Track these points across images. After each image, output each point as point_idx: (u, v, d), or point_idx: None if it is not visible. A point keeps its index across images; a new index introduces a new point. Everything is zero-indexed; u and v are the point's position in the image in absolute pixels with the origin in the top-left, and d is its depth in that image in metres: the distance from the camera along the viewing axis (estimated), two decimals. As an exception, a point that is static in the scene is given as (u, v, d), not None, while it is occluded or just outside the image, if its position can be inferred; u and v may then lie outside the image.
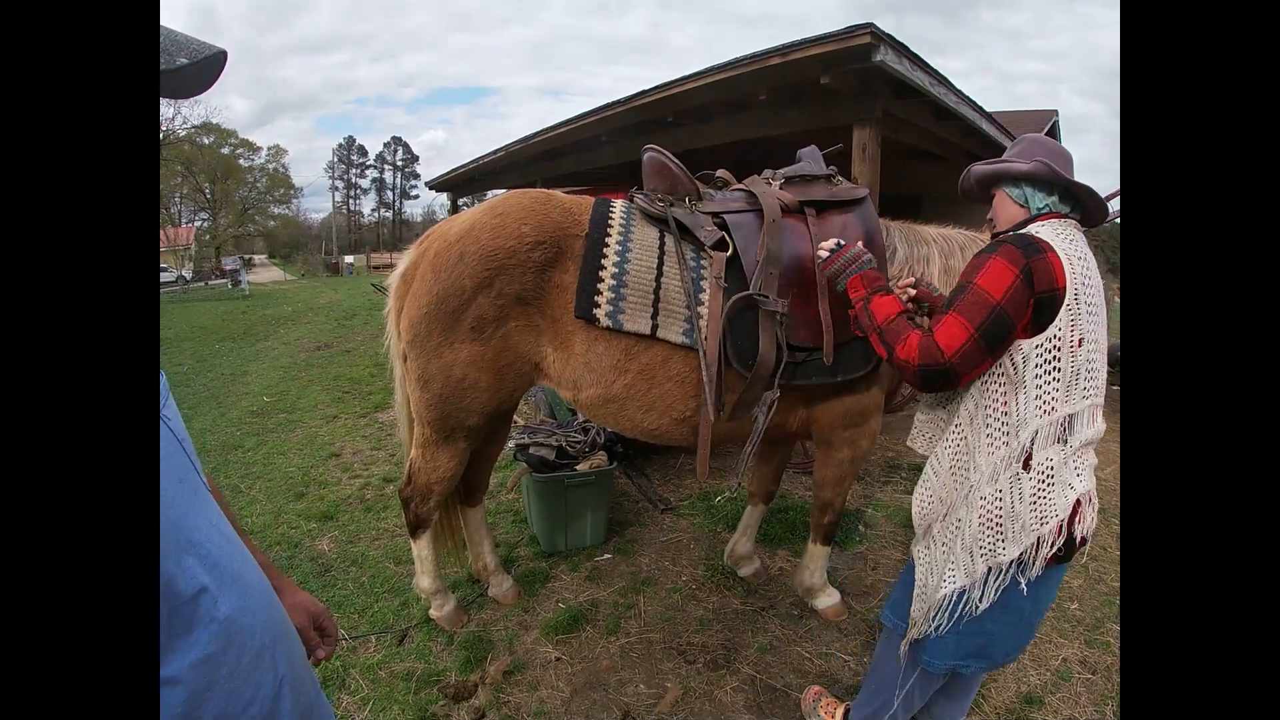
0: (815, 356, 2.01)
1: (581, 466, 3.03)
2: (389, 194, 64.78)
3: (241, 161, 42.24)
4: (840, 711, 2.01)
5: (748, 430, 2.08)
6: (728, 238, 2.03)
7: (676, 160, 2.09)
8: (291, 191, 46.38)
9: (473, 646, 2.38)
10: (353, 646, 2.41)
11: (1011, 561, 1.42)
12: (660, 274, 1.98)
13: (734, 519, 3.08)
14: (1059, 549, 1.41)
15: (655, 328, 1.97)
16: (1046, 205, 1.50)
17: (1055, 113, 12.56)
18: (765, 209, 2.05)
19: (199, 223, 40.57)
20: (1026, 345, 1.39)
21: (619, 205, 2.12)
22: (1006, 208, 1.56)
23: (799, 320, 1.99)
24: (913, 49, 3.25)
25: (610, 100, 4.81)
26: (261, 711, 0.75)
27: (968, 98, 4.30)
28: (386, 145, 66.40)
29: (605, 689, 2.22)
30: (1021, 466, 1.41)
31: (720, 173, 2.27)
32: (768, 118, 4.08)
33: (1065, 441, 1.41)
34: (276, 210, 46.05)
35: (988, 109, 4.81)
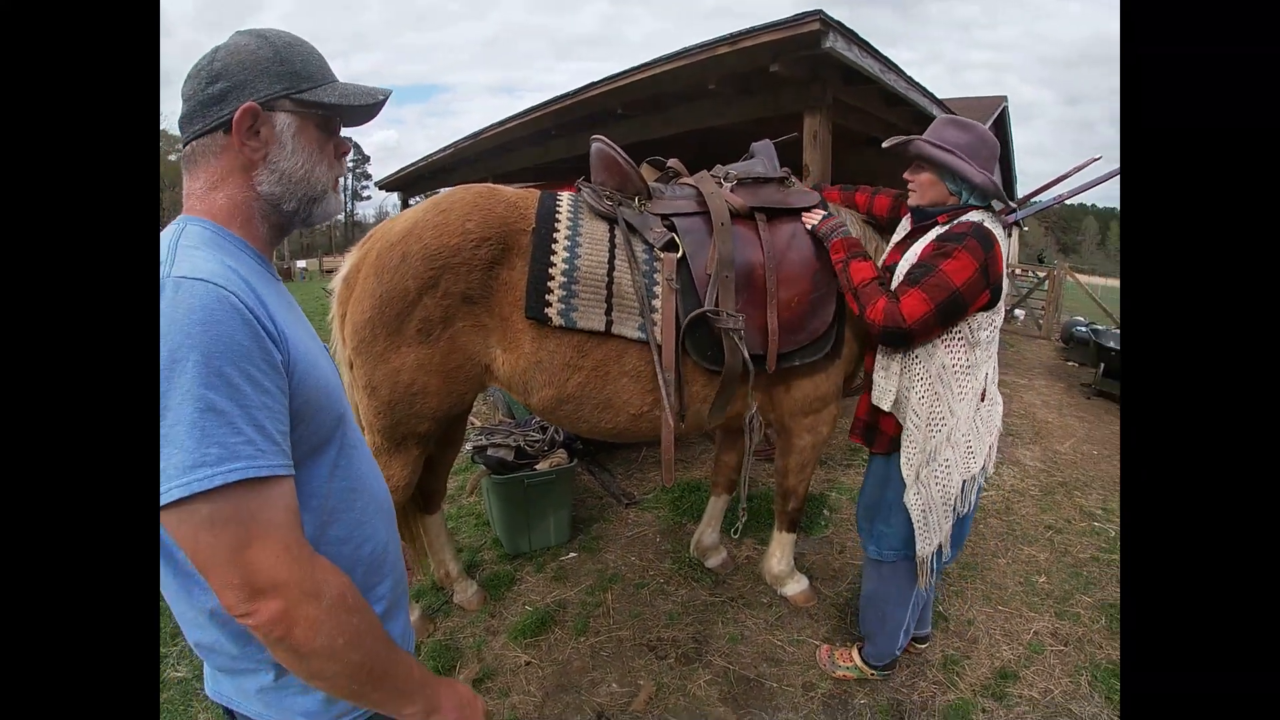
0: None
1: (541, 466, 2.97)
2: (342, 195, 62.97)
3: (186, 168, 40.59)
4: (854, 650, 2.26)
5: (702, 424, 2.10)
6: (677, 239, 2.00)
7: (624, 154, 2.04)
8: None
9: (440, 655, 2.32)
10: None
11: (981, 468, 1.88)
12: (612, 268, 1.94)
13: (699, 510, 3.07)
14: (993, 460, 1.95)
15: (610, 324, 1.93)
16: (977, 202, 1.83)
17: (1005, 99, 12.90)
18: (713, 212, 2.03)
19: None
20: (981, 316, 1.78)
21: (566, 198, 2.06)
22: (938, 190, 1.83)
23: (753, 328, 2.01)
24: (862, 36, 3.27)
25: (559, 93, 4.72)
26: (375, 551, 0.89)
27: (917, 84, 4.35)
28: (337, 145, 64.53)
29: (578, 690, 2.19)
30: (980, 399, 1.84)
31: (671, 162, 2.23)
32: (719, 107, 4.06)
33: (995, 370, 1.89)
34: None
35: (938, 96, 4.88)
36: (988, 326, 1.80)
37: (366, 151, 66.89)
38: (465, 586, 2.62)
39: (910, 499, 1.90)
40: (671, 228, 2.01)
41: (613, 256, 1.95)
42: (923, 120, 6.17)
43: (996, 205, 1.87)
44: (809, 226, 2.08)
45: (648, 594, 2.71)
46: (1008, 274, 1.82)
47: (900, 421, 1.91)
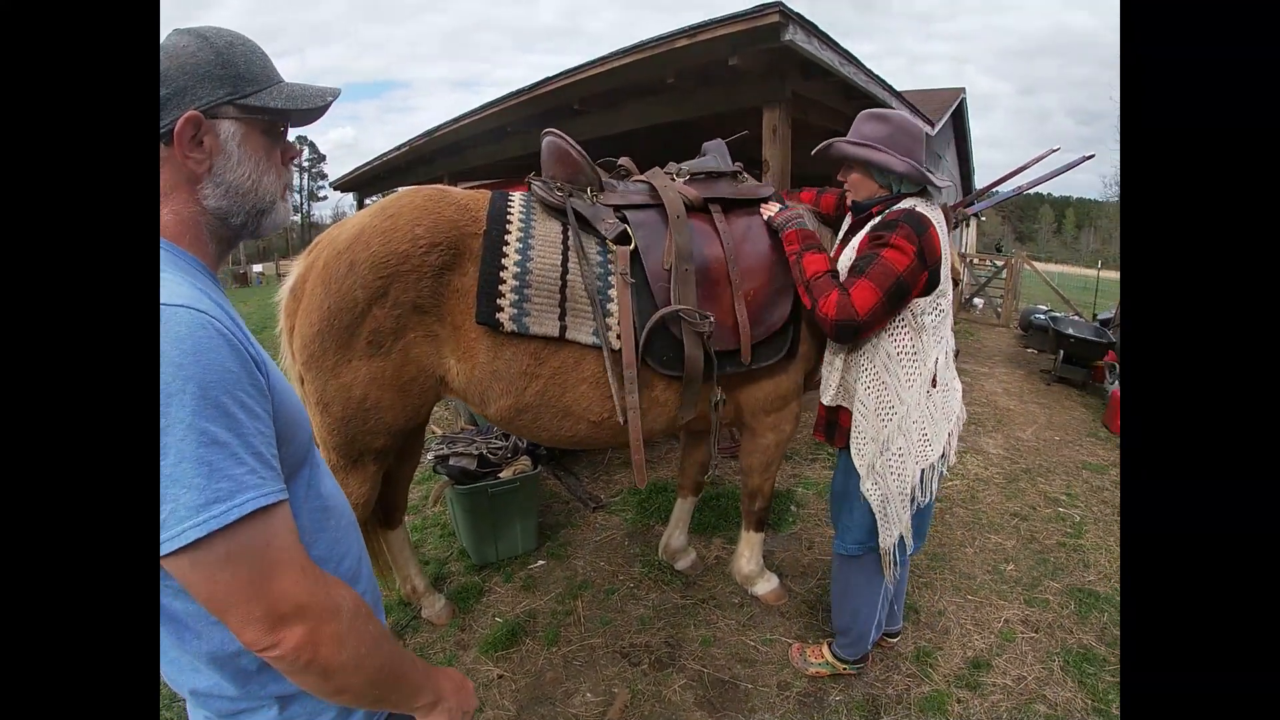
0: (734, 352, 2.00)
1: (505, 473, 2.90)
2: (296, 196, 61.44)
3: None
4: (825, 648, 2.26)
5: (666, 427, 2.07)
6: (630, 231, 1.95)
7: (577, 146, 1.98)
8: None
9: None
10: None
11: (940, 457, 1.87)
12: (566, 270, 1.87)
13: (667, 512, 3.03)
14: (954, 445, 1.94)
15: (564, 329, 1.87)
16: (909, 190, 1.84)
17: (963, 91, 13.12)
18: (667, 205, 1.98)
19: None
20: (924, 301, 1.78)
21: (518, 198, 1.98)
22: (868, 185, 1.87)
23: (716, 324, 1.97)
24: (822, 29, 3.25)
25: (515, 89, 4.61)
26: (352, 567, 0.88)
27: (877, 76, 4.36)
28: (293, 145, 62.93)
29: (552, 702, 2.14)
30: (930, 385, 1.82)
31: (622, 161, 2.17)
32: (677, 102, 4.01)
33: (947, 357, 1.87)
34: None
35: (897, 88, 4.91)
36: (932, 311, 1.79)
37: (323, 150, 65.49)
38: (433, 601, 2.55)
39: (868, 490, 1.89)
40: (624, 220, 1.96)
41: (566, 258, 1.88)
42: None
43: (940, 185, 1.87)
44: (766, 217, 2.07)
45: (618, 600, 2.66)
46: (963, 261, 1.89)
47: (854, 415, 1.91)
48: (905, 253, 1.69)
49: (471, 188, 2.23)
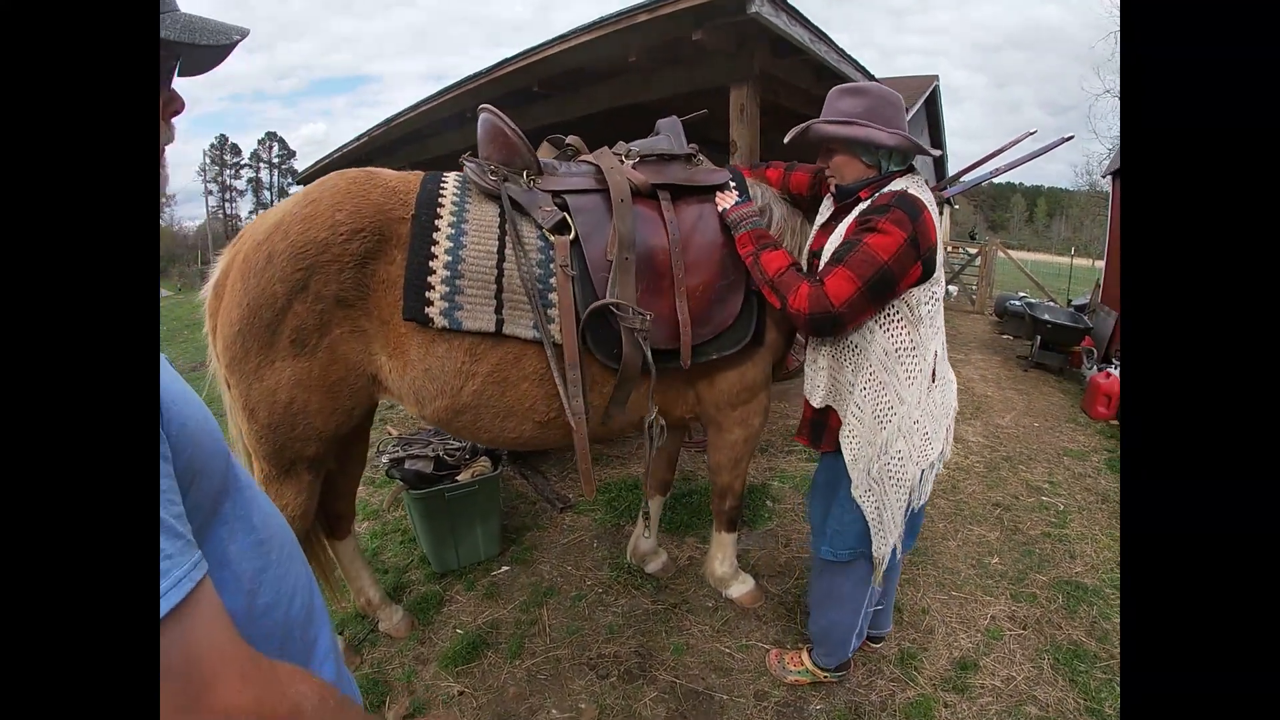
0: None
1: (463, 476, 2.74)
2: (266, 193, 60.20)
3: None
4: (804, 654, 2.13)
5: (621, 428, 1.93)
6: (569, 220, 1.77)
7: (513, 125, 1.80)
8: (163, 200, 42.31)
9: (368, 690, 2.12)
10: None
11: (939, 454, 1.73)
12: (502, 259, 1.70)
13: (636, 510, 2.89)
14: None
15: (501, 323, 1.70)
16: (897, 166, 1.68)
17: (936, 78, 13.11)
18: (612, 189, 1.81)
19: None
20: (919, 291, 1.62)
21: (452, 179, 1.81)
22: (854, 166, 1.68)
23: (659, 320, 1.79)
24: (791, 3, 3.10)
25: (472, 73, 4.40)
26: (304, 602, 0.78)
27: (849, 56, 4.23)
28: (261, 142, 61.78)
29: (516, 720, 1.99)
30: (930, 380, 1.67)
31: (570, 139, 2.00)
32: (641, 82, 3.84)
33: (943, 348, 1.74)
34: (143, 220, 41.92)
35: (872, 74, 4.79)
36: (928, 301, 1.64)
37: (293, 146, 63.89)
38: (390, 613, 2.40)
39: (862, 498, 1.74)
40: (564, 206, 1.78)
41: (503, 245, 1.71)
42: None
43: (934, 153, 1.76)
44: (720, 209, 1.89)
45: (586, 606, 2.51)
46: (941, 247, 1.68)
47: (844, 416, 1.75)
48: (895, 239, 1.52)
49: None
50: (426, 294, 1.65)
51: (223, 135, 71.08)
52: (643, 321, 1.71)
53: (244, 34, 0.71)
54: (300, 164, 61.23)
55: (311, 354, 1.68)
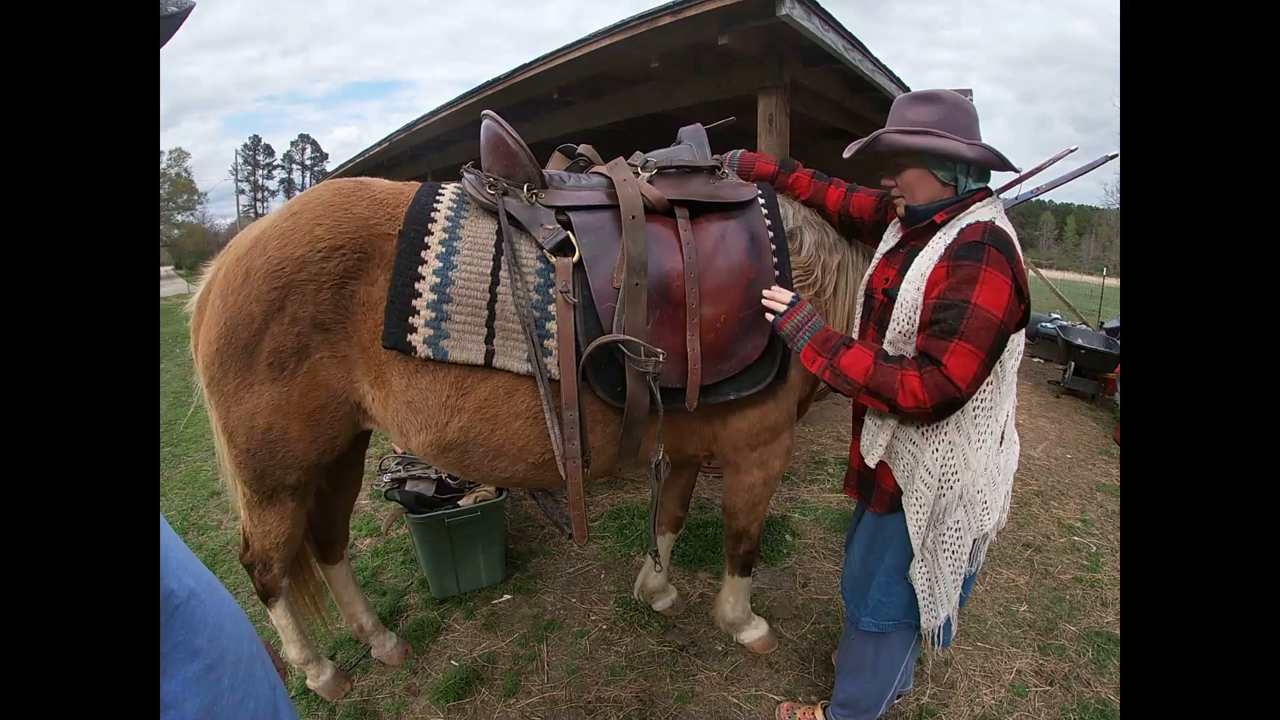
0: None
1: (465, 500, 2.61)
2: (298, 194, 61.27)
3: (138, 168, 39.31)
4: (819, 711, 1.97)
5: (612, 470, 1.77)
6: (572, 239, 1.60)
7: (515, 133, 1.63)
8: (195, 197, 43.29)
9: None
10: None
11: (995, 522, 1.54)
12: (496, 282, 1.54)
13: (648, 541, 2.72)
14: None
15: (491, 354, 1.54)
16: (975, 183, 1.47)
17: (970, 92, 12.80)
18: (622, 204, 1.63)
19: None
20: (1010, 342, 1.41)
21: (450, 192, 1.66)
22: (928, 185, 1.47)
23: (671, 355, 1.61)
24: (824, 8, 2.93)
25: (491, 78, 4.29)
26: (261, 704, 0.72)
27: (885, 67, 4.04)
28: (294, 144, 63.08)
29: (501, 768, 1.85)
30: (998, 443, 1.49)
31: (582, 149, 1.82)
32: (664, 90, 3.69)
33: (1014, 405, 1.54)
34: (180, 218, 42.81)
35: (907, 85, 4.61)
36: (1014, 354, 1.44)
37: (325, 148, 64.88)
38: (383, 640, 2.30)
39: (914, 571, 1.57)
40: (569, 225, 1.62)
41: (498, 267, 1.55)
42: (889, 110, 5.89)
43: (1017, 168, 1.51)
44: (770, 315, 1.61)
45: (588, 644, 2.37)
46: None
47: (900, 479, 1.54)
48: (1001, 289, 1.31)
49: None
50: (410, 320, 1.51)
51: (256, 136, 72.65)
52: (656, 364, 1.52)
53: (189, 7, 0.63)
54: (331, 166, 62.38)
55: (290, 378, 1.57)
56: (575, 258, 1.58)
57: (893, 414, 1.47)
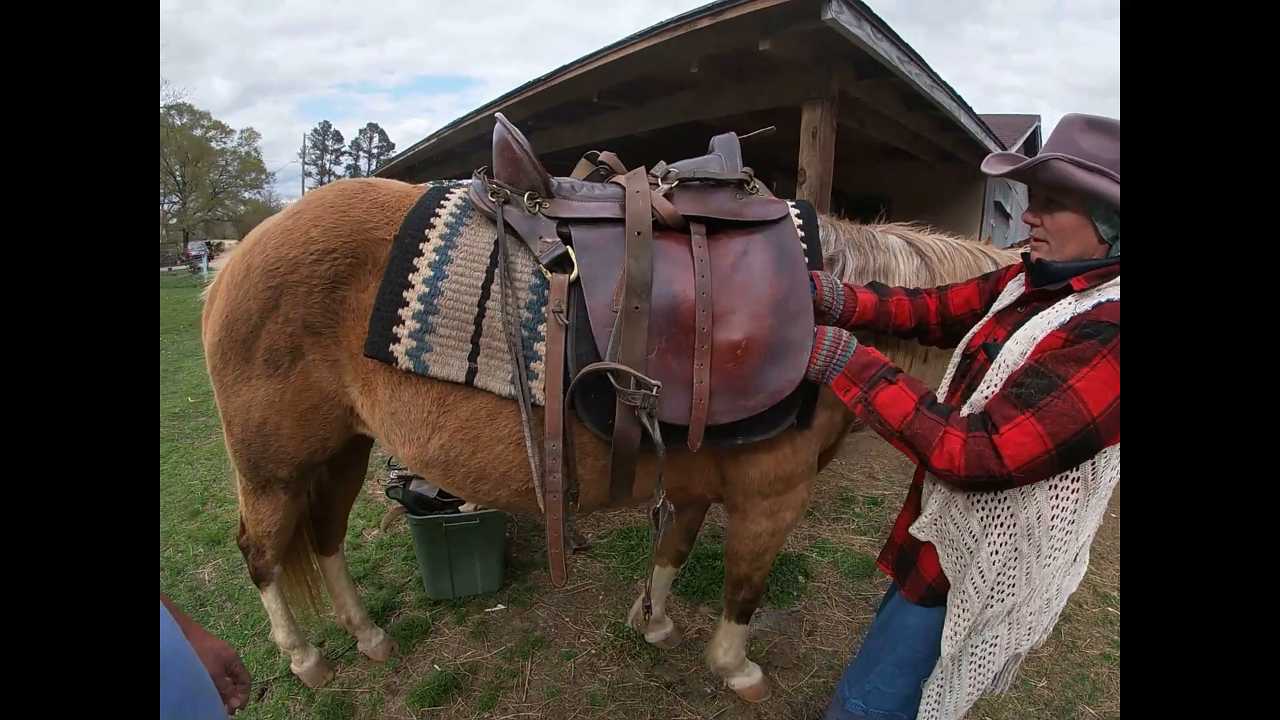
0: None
1: (467, 506, 2.56)
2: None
3: (214, 144, 41.46)
4: None
5: (605, 505, 1.66)
6: (571, 255, 1.48)
7: (520, 137, 1.53)
8: (263, 176, 45.51)
9: (332, 711, 2.05)
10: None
11: (1032, 643, 1.31)
12: (486, 296, 1.46)
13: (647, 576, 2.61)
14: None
15: (473, 372, 1.45)
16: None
17: (1038, 118, 12.21)
18: (628, 218, 1.49)
19: (168, 206, 39.64)
20: (1111, 450, 1.13)
21: (455, 197, 1.59)
22: (1083, 238, 1.17)
23: (677, 386, 1.43)
24: (877, 14, 2.74)
25: (531, 79, 4.23)
26: None
27: (944, 82, 3.78)
28: (362, 131, 65.40)
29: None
30: (1070, 564, 1.25)
31: (604, 157, 1.70)
32: (704, 97, 3.56)
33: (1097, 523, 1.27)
34: (248, 195, 45.17)
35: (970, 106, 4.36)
36: (1113, 465, 1.15)
37: (393, 138, 66.99)
38: (369, 635, 2.33)
39: (930, 681, 1.37)
40: (569, 239, 1.50)
41: (490, 280, 1.47)
42: (950, 129, 5.58)
43: None
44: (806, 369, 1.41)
45: (573, 668, 2.27)
46: None
47: (948, 571, 1.30)
48: (1110, 386, 1.04)
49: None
50: (394, 329, 1.44)
51: (327, 121, 75.56)
52: (645, 399, 1.36)
53: None
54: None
55: (284, 377, 1.58)
56: (573, 275, 1.46)
57: (924, 468, 1.25)
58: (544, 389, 1.42)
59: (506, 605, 2.62)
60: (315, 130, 63.58)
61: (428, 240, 1.49)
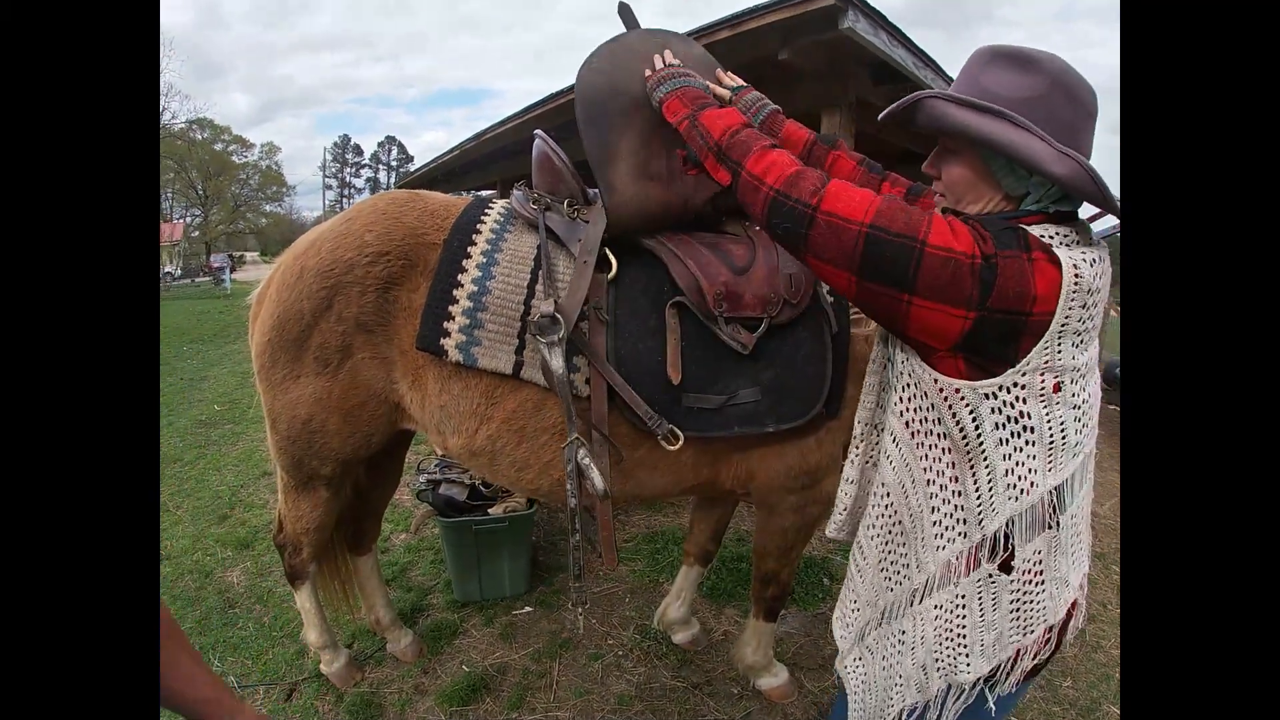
0: (740, 400, 1.58)
1: (495, 509, 2.62)
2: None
3: (235, 158, 42.29)
4: None
5: (644, 497, 1.76)
6: (610, 255, 1.60)
7: (560, 151, 1.69)
8: (284, 190, 46.32)
9: (360, 711, 2.09)
10: (240, 696, 2.13)
11: (979, 679, 1.03)
12: (531, 294, 1.56)
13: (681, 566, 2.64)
14: (1041, 660, 1.03)
15: (520, 365, 1.55)
16: (1054, 204, 0.95)
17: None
18: None
19: (190, 219, 40.41)
20: (971, 395, 0.91)
21: (498, 206, 1.71)
22: (979, 191, 0.98)
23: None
24: (892, 21, 2.78)
25: (554, 90, 4.30)
26: None
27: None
28: (381, 145, 66.48)
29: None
30: (998, 568, 0.97)
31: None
32: (726, 105, 3.60)
33: (1056, 525, 0.96)
34: (269, 208, 46.07)
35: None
36: (999, 421, 0.92)
37: (411, 151, 68.18)
38: (399, 636, 2.37)
39: (846, 668, 1.21)
40: (608, 241, 1.61)
41: (535, 280, 1.57)
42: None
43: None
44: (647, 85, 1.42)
45: (600, 669, 2.31)
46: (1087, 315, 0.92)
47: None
48: (960, 241, 0.87)
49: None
50: (445, 324, 1.55)
51: (346, 135, 76.73)
52: (659, 425, 1.54)
53: None
54: (415, 168, 65.37)
55: (334, 374, 1.67)
56: (612, 273, 1.58)
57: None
58: (587, 379, 1.54)
59: (534, 608, 2.66)
60: (335, 143, 64.78)
61: (475, 244, 1.59)
